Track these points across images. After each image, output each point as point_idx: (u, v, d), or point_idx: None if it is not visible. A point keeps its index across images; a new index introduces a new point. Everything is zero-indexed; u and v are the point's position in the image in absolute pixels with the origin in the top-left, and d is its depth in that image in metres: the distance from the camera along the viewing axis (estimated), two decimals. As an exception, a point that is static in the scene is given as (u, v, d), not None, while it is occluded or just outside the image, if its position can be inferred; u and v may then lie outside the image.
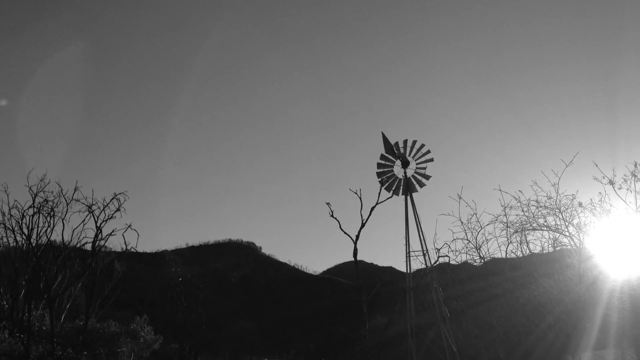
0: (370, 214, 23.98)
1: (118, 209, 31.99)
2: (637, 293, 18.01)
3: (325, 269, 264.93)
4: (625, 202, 18.20)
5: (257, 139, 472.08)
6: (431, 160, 50.52)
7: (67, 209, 31.53)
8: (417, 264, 51.00)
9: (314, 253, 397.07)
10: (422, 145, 50.76)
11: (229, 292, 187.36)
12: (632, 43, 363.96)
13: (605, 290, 18.85)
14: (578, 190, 19.39)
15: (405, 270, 50.60)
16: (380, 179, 49.91)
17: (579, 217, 19.31)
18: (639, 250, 18.81)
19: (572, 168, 19.11)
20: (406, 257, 49.40)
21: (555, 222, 19.81)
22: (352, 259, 25.66)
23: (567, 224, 19.33)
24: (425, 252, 48.16)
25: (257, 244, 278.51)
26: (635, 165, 18.18)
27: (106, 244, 34.05)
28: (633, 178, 18.14)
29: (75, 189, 31.60)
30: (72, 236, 32.20)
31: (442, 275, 40.36)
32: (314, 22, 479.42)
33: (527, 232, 20.72)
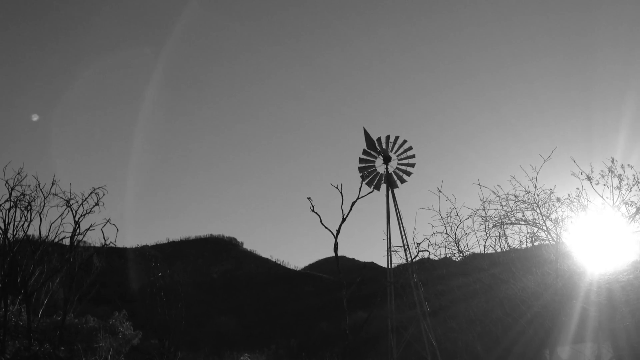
0: (351, 209, 24.07)
1: (97, 204, 31.82)
2: (614, 287, 18.20)
3: (306, 264, 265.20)
4: (602, 197, 18.38)
5: (239, 135, 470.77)
6: (413, 156, 50.71)
7: (45, 203, 31.23)
8: (398, 259, 51.28)
9: (296, 248, 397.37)
10: (405, 142, 50.95)
11: (210, 287, 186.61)
12: (607, 39, 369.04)
13: (582, 285, 19.01)
14: (556, 185, 19.54)
15: (386, 266, 50.84)
16: (361, 174, 50.00)
17: (556, 211, 19.45)
18: (615, 244, 19.01)
19: (550, 163, 19.25)
20: (387, 252, 49.59)
21: (533, 216, 19.95)
22: (334, 255, 25.68)
23: (544, 218, 19.47)
24: (406, 247, 48.39)
25: (239, 240, 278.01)
26: (613, 162, 18.35)
27: (85, 239, 33.82)
28: (610, 174, 18.31)
29: (53, 183, 31.31)
30: (49, 231, 31.92)
31: (423, 271, 40.59)
32: (296, 19, 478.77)
33: (505, 227, 20.84)
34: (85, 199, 31.73)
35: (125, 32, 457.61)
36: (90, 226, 32.59)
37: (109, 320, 36.69)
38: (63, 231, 32.24)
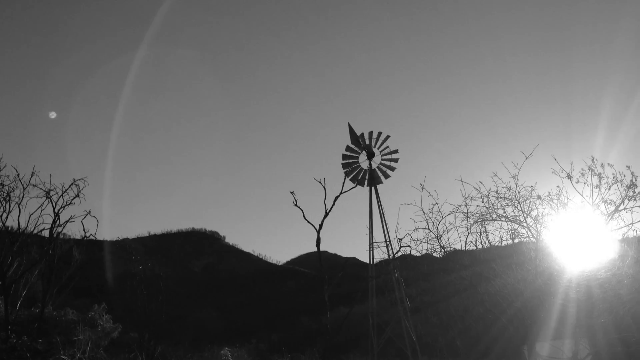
0: (333, 204, 24.12)
1: (77, 195, 31.53)
2: (592, 284, 18.42)
3: (289, 259, 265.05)
4: (582, 195, 18.61)
5: (221, 128, 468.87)
6: (396, 151, 50.82)
7: (24, 194, 30.93)
8: (381, 254, 51.38)
9: (278, 243, 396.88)
10: (387, 137, 51.00)
11: (191, 281, 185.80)
12: (585, 37, 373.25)
13: (562, 282, 19.21)
14: (537, 183, 19.74)
15: (368, 261, 50.98)
16: (345, 170, 49.99)
17: (537, 209, 19.65)
18: (594, 242, 19.25)
19: (532, 161, 19.43)
20: (369, 247, 49.72)
21: (514, 213, 20.14)
22: (316, 250, 25.69)
23: (525, 215, 19.66)
24: (388, 242, 48.53)
25: (221, 234, 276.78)
26: (593, 160, 18.59)
27: (65, 231, 33.53)
28: (590, 172, 18.54)
29: (33, 174, 30.97)
30: (28, 222, 31.62)
31: (405, 268, 40.78)
32: (279, 14, 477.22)
33: (486, 223, 21.01)
34: (66, 190, 31.47)
35: (105, 28, 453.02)
36: (70, 218, 32.36)
37: (88, 313, 36.43)
38: (42, 223, 31.97)
